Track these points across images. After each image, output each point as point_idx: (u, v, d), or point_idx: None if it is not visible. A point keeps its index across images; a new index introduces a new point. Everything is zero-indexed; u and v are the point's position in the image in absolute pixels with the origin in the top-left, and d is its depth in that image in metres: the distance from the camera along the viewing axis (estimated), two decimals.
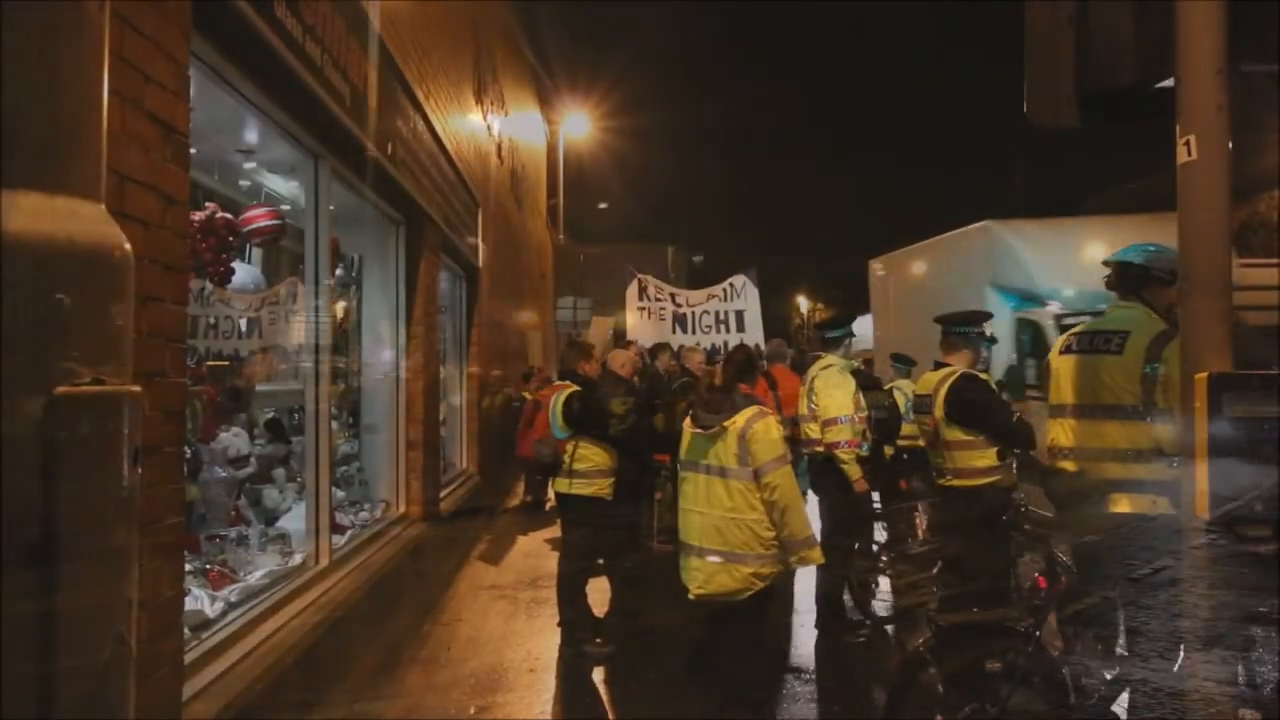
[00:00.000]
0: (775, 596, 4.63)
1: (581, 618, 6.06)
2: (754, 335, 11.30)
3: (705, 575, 4.41)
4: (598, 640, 5.96)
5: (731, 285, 11.83)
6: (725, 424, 4.46)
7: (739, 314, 11.69)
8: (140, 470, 1.18)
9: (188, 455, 4.29)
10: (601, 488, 5.98)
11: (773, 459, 4.37)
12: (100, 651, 1.12)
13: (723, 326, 11.79)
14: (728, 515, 4.42)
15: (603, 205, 37.69)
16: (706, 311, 11.88)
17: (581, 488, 5.93)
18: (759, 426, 4.44)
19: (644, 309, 11.92)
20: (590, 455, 5.91)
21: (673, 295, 12.06)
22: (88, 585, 1.10)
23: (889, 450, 7.31)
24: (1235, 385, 2.80)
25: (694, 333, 11.83)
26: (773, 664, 4.86)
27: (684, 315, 11.93)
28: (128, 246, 1.23)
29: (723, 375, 4.83)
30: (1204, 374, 2.82)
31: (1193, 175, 2.95)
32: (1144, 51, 3.12)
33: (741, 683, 4.59)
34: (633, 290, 11.98)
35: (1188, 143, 2.95)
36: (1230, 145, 2.97)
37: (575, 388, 6.00)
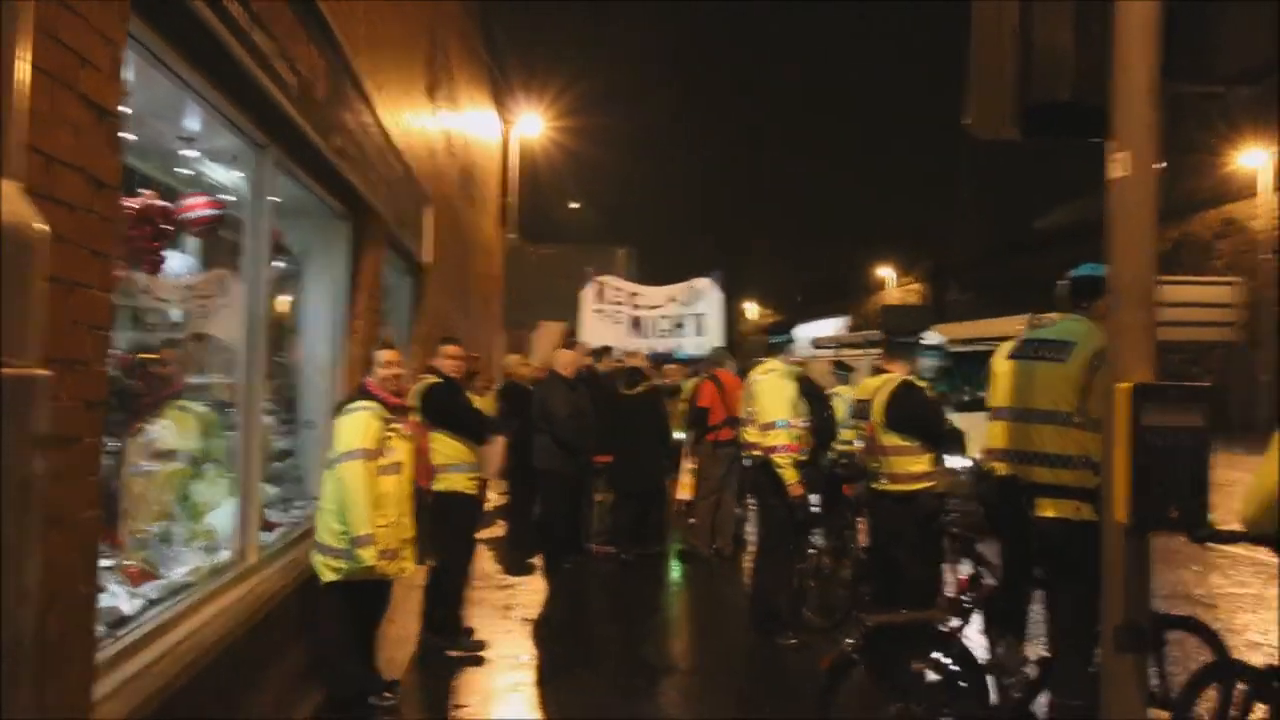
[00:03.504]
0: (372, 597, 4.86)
1: (450, 618, 6.00)
2: (714, 339, 11.29)
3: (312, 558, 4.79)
4: (462, 643, 5.90)
5: (693, 288, 11.78)
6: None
7: (699, 317, 11.66)
8: (44, 457, 1.15)
9: (111, 447, 4.17)
10: (454, 483, 5.85)
11: (344, 451, 4.62)
12: None
13: (680, 330, 11.75)
14: (319, 503, 4.79)
15: (574, 205, 37.48)
16: (665, 315, 11.82)
17: (438, 484, 5.77)
18: (342, 419, 4.74)
19: (600, 311, 11.85)
20: (442, 449, 5.80)
21: (632, 295, 11.98)
22: None
23: (831, 454, 7.41)
24: (1157, 395, 2.90)
25: (650, 336, 11.77)
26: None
27: (640, 318, 11.86)
28: (41, 226, 1.20)
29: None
30: (1126, 384, 2.91)
31: (1123, 190, 3.05)
32: (1083, 68, 3.20)
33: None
34: (589, 292, 11.90)
35: (1118, 159, 3.05)
36: (1161, 163, 3.07)
37: (435, 380, 5.91)
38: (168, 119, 4.53)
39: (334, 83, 5.44)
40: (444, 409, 5.72)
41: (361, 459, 4.57)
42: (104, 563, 3.40)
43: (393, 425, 4.82)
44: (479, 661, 5.75)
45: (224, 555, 4.45)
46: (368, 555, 4.52)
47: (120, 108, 2.83)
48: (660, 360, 11.07)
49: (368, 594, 4.86)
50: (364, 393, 4.84)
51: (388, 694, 4.92)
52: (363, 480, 4.54)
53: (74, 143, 2.54)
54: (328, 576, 4.67)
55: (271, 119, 4.55)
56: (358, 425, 4.64)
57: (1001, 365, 3.96)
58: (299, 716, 4.72)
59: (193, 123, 4.61)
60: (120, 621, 3.33)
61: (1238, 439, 14.45)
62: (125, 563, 3.85)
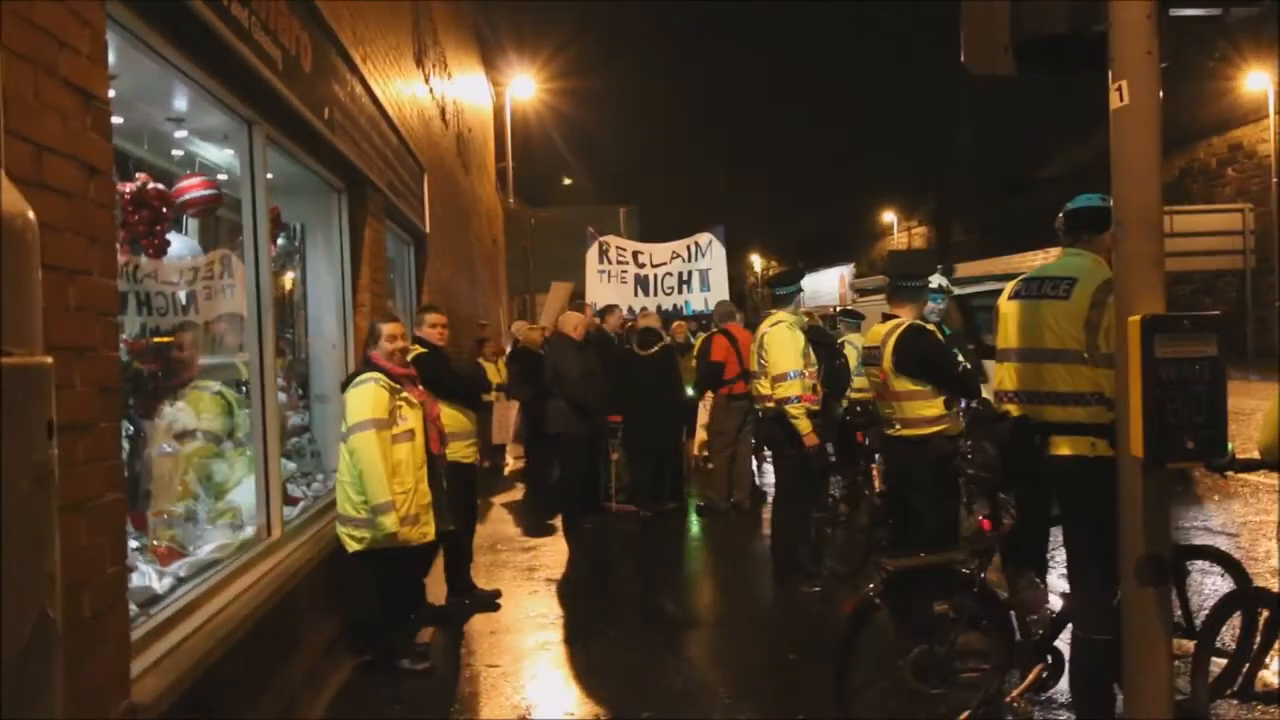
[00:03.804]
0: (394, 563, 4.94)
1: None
2: (720, 294, 11.23)
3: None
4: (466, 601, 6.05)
5: (696, 244, 11.68)
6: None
7: (704, 273, 11.59)
8: (54, 445, 1.15)
9: (130, 431, 4.20)
10: (451, 451, 5.76)
11: (356, 422, 4.70)
12: (20, 630, 1.10)
13: (686, 286, 11.68)
14: (337, 476, 4.90)
15: (567, 181, 37.33)
16: (670, 272, 11.74)
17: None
18: (351, 392, 4.81)
19: (604, 272, 11.78)
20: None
21: (635, 254, 11.90)
22: (4, 564, 1.08)
23: (844, 403, 7.42)
24: (1168, 327, 2.87)
25: (656, 294, 11.72)
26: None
27: (645, 277, 11.79)
28: (31, 215, 1.19)
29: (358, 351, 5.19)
30: (1137, 316, 2.88)
31: (1125, 121, 3.00)
32: None
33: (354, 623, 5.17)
34: (593, 253, 11.83)
35: (1120, 88, 3.00)
36: (1161, 90, 3.01)
37: (420, 350, 5.84)
38: (155, 101, 4.50)
39: (320, 54, 5.38)
40: (431, 378, 5.73)
41: (373, 429, 4.65)
42: (132, 544, 3.45)
43: (401, 394, 4.87)
44: (496, 608, 6.00)
45: (249, 531, 4.51)
46: (389, 522, 4.61)
47: (107, 91, 2.81)
48: (668, 317, 11.06)
49: (394, 561, 4.94)
50: (369, 364, 4.90)
51: (419, 657, 5.00)
52: (377, 449, 4.63)
53: (62, 129, 2.52)
54: (353, 547, 4.78)
55: (259, 94, 4.51)
56: (365, 396, 4.72)
57: (1007, 306, 3.92)
58: (332, 684, 4.80)
59: (180, 103, 4.58)
60: (152, 600, 3.40)
61: (1254, 367, 14.39)
62: (153, 543, 3.90)
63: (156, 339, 4.93)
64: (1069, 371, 3.58)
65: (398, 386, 4.89)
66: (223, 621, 3.55)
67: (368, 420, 4.66)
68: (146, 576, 3.49)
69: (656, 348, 8.81)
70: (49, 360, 1.16)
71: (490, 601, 6.09)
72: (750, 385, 8.57)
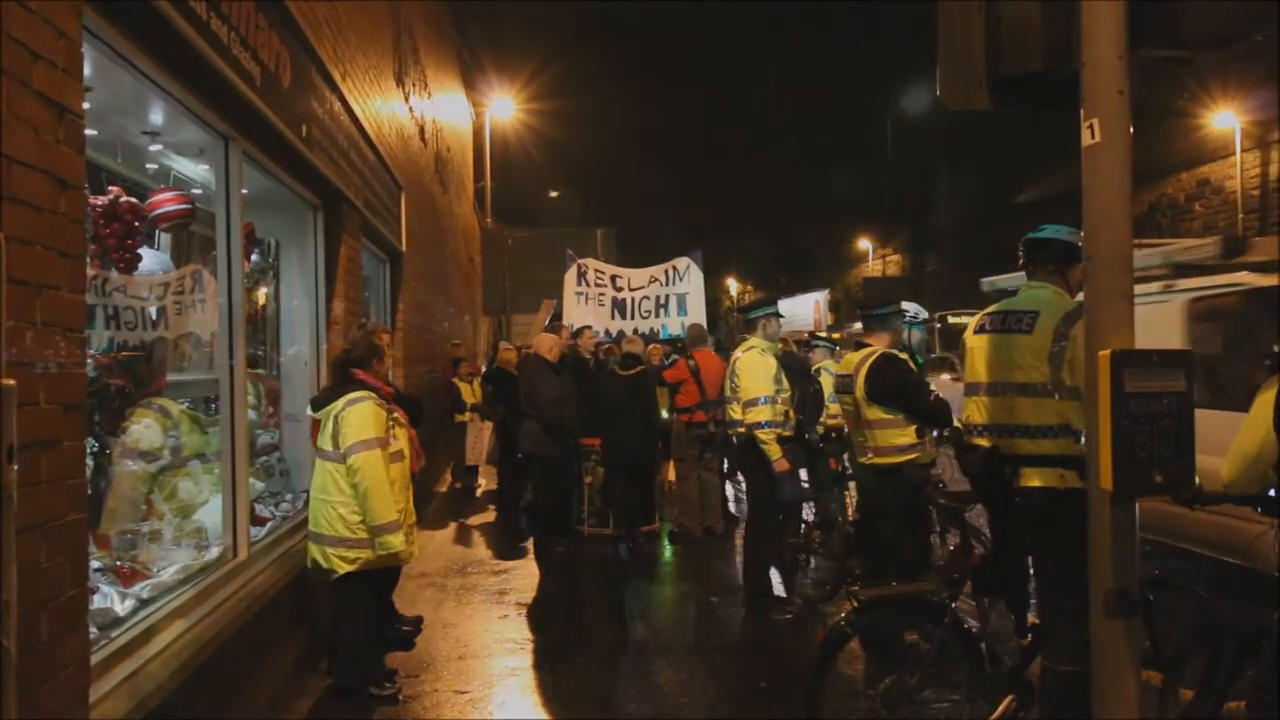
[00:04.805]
0: (363, 587, 4.82)
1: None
2: (696, 317, 11.26)
3: (311, 553, 4.77)
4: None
5: (674, 268, 11.71)
6: (329, 409, 4.75)
7: (681, 297, 11.61)
8: (15, 467, 1.12)
9: (95, 448, 4.13)
10: None
11: (359, 441, 4.63)
12: None
13: (663, 310, 11.70)
14: (318, 496, 4.75)
15: (554, 194, 37.35)
16: (647, 296, 11.75)
17: None
18: (351, 409, 4.71)
19: (582, 294, 11.76)
20: None
21: (614, 278, 11.90)
22: None
23: (819, 430, 7.44)
24: (1137, 362, 2.91)
25: (633, 318, 11.72)
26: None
27: (623, 300, 11.80)
28: None
29: (334, 363, 5.14)
30: (1107, 351, 2.92)
31: (1096, 158, 3.05)
32: (1052, 37, 3.19)
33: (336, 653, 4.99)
34: (571, 275, 11.82)
35: (1091, 126, 3.05)
36: (1131, 129, 3.06)
37: None
38: (131, 114, 4.46)
39: (299, 70, 5.36)
40: None
41: (378, 448, 4.61)
42: (94, 564, 3.38)
43: (392, 415, 4.86)
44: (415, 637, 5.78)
45: (214, 552, 4.43)
46: (396, 541, 4.60)
47: (82, 105, 2.77)
48: (644, 341, 11.07)
49: (379, 582, 4.90)
50: (358, 383, 4.80)
51: (388, 683, 4.92)
52: (382, 468, 4.60)
53: (34, 142, 2.49)
54: (343, 569, 4.66)
55: (237, 110, 4.48)
56: (366, 415, 4.66)
57: (973, 340, 3.95)
58: (298, 709, 4.72)
59: (156, 117, 4.55)
60: (113, 623, 3.32)
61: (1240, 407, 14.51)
62: (115, 563, 3.81)
63: (124, 353, 4.86)
64: (1036, 405, 3.61)
65: (387, 405, 4.86)
66: (186, 645, 3.47)
67: (372, 439, 4.60)
68: (108, 598, 3.41)
69: (636, 369, 8.81)
70: (11, 383, 1.14)
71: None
72: (712, 414, 8.59)
